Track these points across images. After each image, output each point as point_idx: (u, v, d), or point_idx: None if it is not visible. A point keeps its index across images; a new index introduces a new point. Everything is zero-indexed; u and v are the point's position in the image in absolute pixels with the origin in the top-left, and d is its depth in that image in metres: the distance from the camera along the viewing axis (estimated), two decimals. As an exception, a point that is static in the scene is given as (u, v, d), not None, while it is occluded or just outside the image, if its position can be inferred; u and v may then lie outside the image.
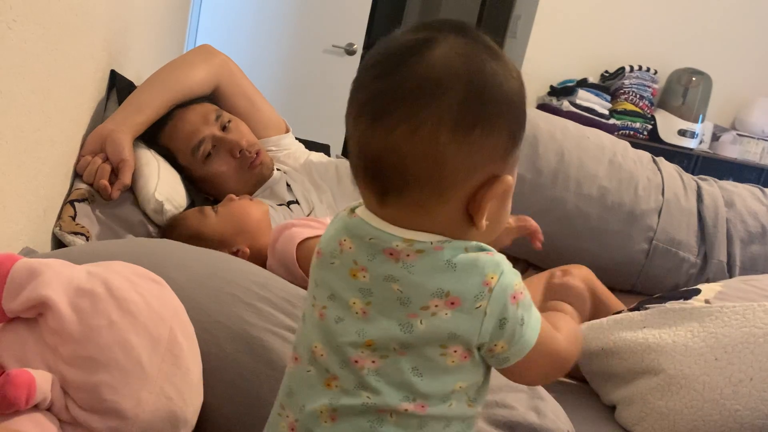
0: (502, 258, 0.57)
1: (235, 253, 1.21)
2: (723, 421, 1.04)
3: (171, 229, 1.28)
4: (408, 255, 0.56)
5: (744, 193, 1.59)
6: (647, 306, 1.17)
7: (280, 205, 1.44)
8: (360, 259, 0.58)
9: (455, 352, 0.57)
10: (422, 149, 0.54)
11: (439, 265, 0.56)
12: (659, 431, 1.09)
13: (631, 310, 1.21)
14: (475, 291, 0.55)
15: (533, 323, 0.58)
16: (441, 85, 0.54)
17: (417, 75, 0.54)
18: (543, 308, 0.71)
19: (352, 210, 0.61)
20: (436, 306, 0.55)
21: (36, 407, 0.61)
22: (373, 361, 0.57)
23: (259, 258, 1.20)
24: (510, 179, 0.58)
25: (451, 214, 0.57)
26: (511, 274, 0.57)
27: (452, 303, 0.55)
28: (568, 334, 0.64)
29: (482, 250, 0.57)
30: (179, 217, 1.30)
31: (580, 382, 1.31)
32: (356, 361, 0.57)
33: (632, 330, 1.13)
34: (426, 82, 0.54)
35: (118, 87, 1.46)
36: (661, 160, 1.64)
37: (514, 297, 0.56)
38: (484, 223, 0.57)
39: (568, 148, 1.52)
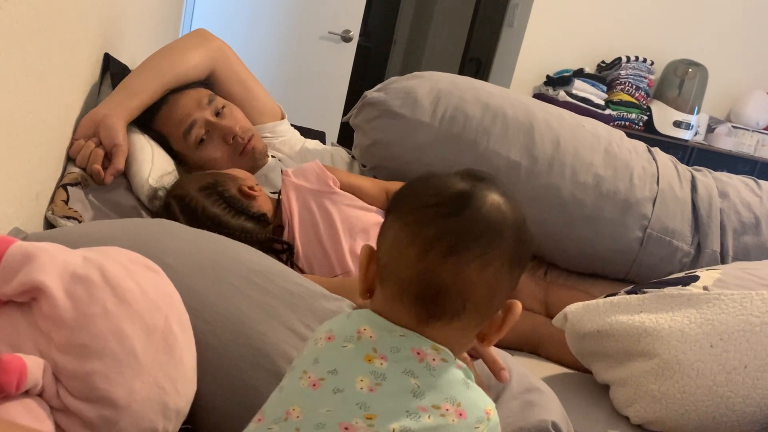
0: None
1: (251, 189, 1.26)
2: (714, 407, 1.05)
3: None
4: (434, 359, 0.61)
5: (738, 184, 1.59)
6: (645, 290, 1.18)
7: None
8: (381, 348, 0.62)
9: None
10: (487, 281, 0.62)
11: (458, 379, 0.62)
12: (650, 414, 1.10)
13: (628, 292, 1.21)
14: (479, 414, 0.61)
15: None
16: (500, 228, 0.62)
17: (483, 218, 0.62)
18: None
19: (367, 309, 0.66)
20: (447, 410, 0.60)
21: (27, 393, 0.61)
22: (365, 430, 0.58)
23: (269, 204, 1.29)
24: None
25: (474, 334, 0.66)
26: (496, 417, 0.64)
27: (460, 414, 0.60)
28: None
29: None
30: None
31: (571, 368, 1.31)
32: (346, 428, 0.57)
33: (629, 313, 1.14)
34: (491, 225, 0.62)
35: (112, 71, 1.44)
36: (656, 150, 1.65)
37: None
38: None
39: (564, 136, 1.52)
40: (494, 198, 0.64)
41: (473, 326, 0.65)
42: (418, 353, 0.61)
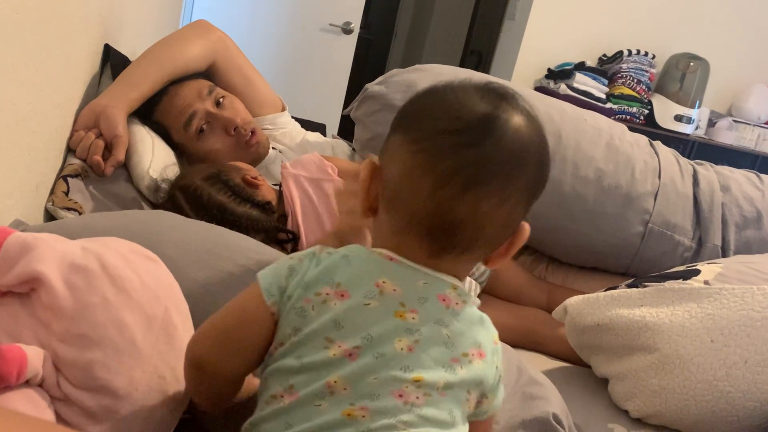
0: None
1: (255, 179, 1.26)
2: (714, 401, 1.05)
3: None
4: (457, 303, 0.60)
5: (740, 178, 1.59)
6: (645, 284, 1.18)
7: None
8: (409, 301, 0.59)
9: (470, 399, 0.61)
10: (505, 216, 0.59)
11: (475, 318, 0.62)
12: (650, 408, 1.10)
13: (628, 286, 1.21)
14: (492, 347, 0.62)
15: (501, 394, 0.66)
16: (523, 159, 0.59)
17: (506, 149, 0.58)
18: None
19: (370, 251, 0.62)
20: (472, 355, 0.60)
21: (27, 383, 0.61)
22: (418, 397, 0.57)
23: (272, 194, 1.29)
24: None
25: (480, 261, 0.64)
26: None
27: (481, 354, 0.61)
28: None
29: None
30: None
31: (567, 362, 1.32)
32: (400, 395, 0.57)
33: (629, 307, 1.14)
34: (513, 157, 0.58)
35: (113, 62, 1.44)
36: (658, 143, 1.64)
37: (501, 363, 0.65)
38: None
39: (566, 130, 1.51)
40: (517, 122, 0.59)
41: (482, 255, 0.63)
42: (444, 300, 0.60)
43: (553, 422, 0.90)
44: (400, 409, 0.56)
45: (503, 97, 0.60)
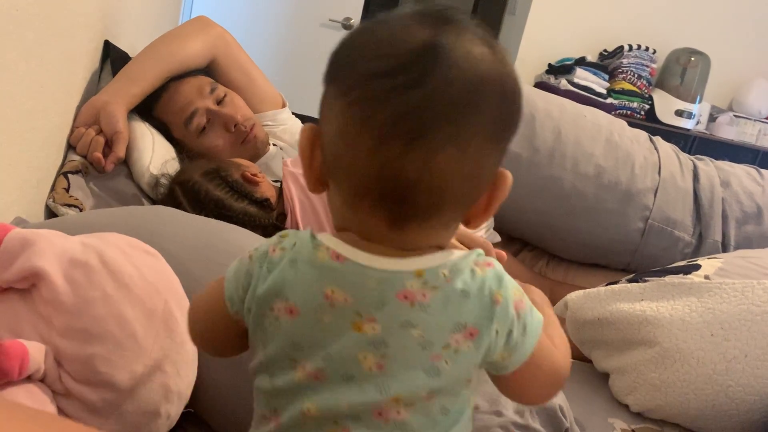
0: (498, 267, 0.54)
1: (254, 176, 1.26)
2: (714, 395, 1.05)
3: None
4: (424, 295, 0.50)
5: (740, 173, 1.59)
6: (646, 278, 1.18)
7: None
8: (364, 309, 0.50)
9: (473, 375, 0.54)
10: (468, 168, 0.49)
11: (454, 297, 0.50)
12: (650, 402, 1.10)
13: (629, 281, 1.21)
14: (488, 314, 0.51)
15: (533, 329, 0.55)
16: (479, 94, 0.48)
17: (452, 85, 0.47)
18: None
19: (316, 245, 0.52)
20: (457, 341, 0.51)
21: (29, 378, 0.61)
22: (399, 412, 0.51)
23: (272, 191, 1.29)
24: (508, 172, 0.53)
25: (459, 223, 0.54)
26: (510, 284, 0.53)
27: (471, 334, 0.51)
28: (561, 341, 0.60)
29: (479, 259, 0.53)
30: None
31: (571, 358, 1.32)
32: (380, 413, 0.51)
33: (630, 302, 1.14)
34: (465, 93, 0.47)
35: (112, 58, 1.44)
36: (657, 139, 1.64)
37: (516, 307, 0.53)
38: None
39: (565, 126, 1.51)
40: (466, 48, 0.48)
41: (457, 217, 0.53)
42: (405, 296, 0.49)
43: (560, 413, 0.91)
44: (382, 428, 0.51)
45: (446, 20, 0.49)
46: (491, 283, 0.52)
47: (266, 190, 1.27)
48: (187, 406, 0.73)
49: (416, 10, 0.50)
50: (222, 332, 0.58)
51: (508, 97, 0.50)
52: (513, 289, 0.53)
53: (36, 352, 0.60)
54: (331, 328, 0.50)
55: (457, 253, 0.52)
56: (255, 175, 1.27)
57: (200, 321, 0.59)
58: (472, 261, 0.52)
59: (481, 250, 0.54)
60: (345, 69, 0.50)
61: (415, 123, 0.46)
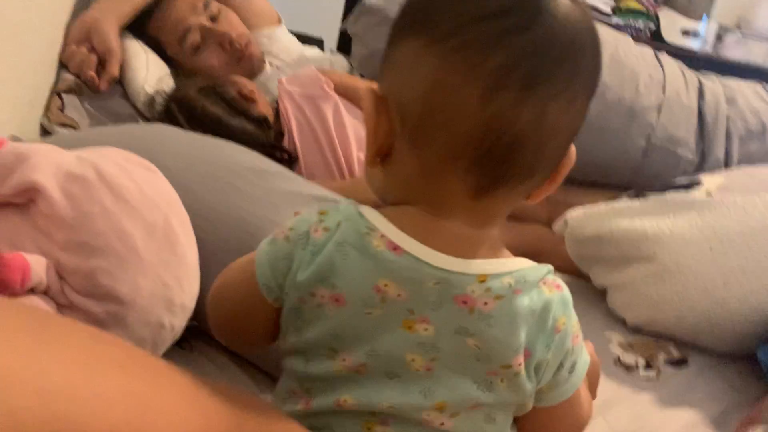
0: (566, 290, 0.50)
1: (251, 92, 1.25)
2: (710, 309, 1.07)
3: None
4: (486, 303, 0.46)
5: (747, 91, 1.57)
6: (647, 194, 1.17)
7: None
8: (418, 308, 0.46)
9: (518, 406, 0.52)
10: (570, 123, 0.45)
11: (522, 314, 0.46)
12: (648, 316, 1.12)
13: (630, 197, 1.20)
14: (547, 340, 0.48)
15: (580, 370, 0.52)
16: (582, 43, 0.45)
17: (562, 30, 0.44)
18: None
19: (368, 229, 0.46)
20: (520, 365, 0.47)
21: (32, 291, 0.61)
22: (443, 423, 0.48)
23: (268, 109, 1.27)
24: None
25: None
26: (574, 314, 0.50)
27: (527, 355, 0.48)
28: (588, 398, 0.58)
29: (548, 277, 0.49)
30: None
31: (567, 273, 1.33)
32: (422, 418, 0.48)
33: (630, 218, 1.14)
34: (572, 40, 0.44)
35: (102, -27, 1.39)
36: (663, 55, 1.61)
37: (574, 341, 0.50)
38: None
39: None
40: (563, 1, 0.44)
41: (536, 185, 0.48)
42: (465, 301, 0.45)
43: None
44: (423, 429, 0.48)
45: None
46: (557, 308, 0.48)
47: (263, 108, 1.25)
48: (191, 319, 0.73)
49: None
50: (255, 321, 0.53)
51: (599, 52, 0.47)
52: (575, 320, 0.50)
53: (37, 265, 0.60)
54: (380, 323, 0.47)
55: (525, 263, 0.49)
56: (252, 91, 1.25)
57: (227, 308, 0.55)
58: (541, 277, 0.48)
59: (551, 267, 0.50)
60: (435, 15, 0.44)
61: (531, 68, 0.43)
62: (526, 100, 0.43)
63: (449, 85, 0.43)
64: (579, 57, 0.44)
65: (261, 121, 1.21)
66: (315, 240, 0.47)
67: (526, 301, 0.46)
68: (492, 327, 0.46)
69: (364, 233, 0.46)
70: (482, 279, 0.46)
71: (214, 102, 1.18)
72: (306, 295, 0.48)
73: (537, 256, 1.53)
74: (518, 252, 1.54)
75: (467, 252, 0.46)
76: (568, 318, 0.49)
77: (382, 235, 0.46)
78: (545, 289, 0.48)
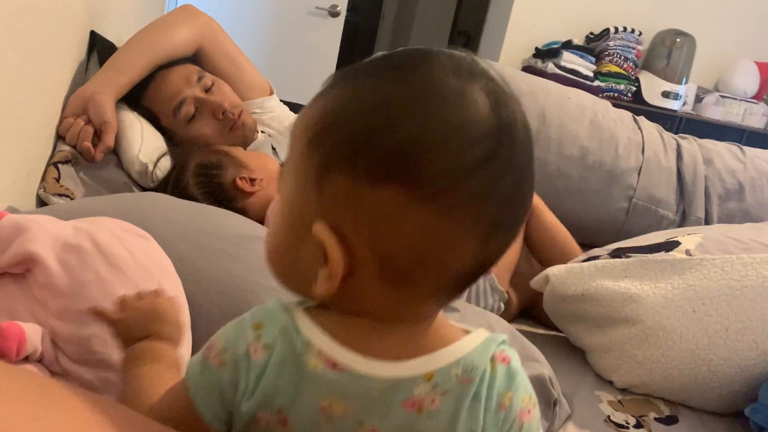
0: (515, 361, 0.48)
1: (252, 181, 1.27)
2: (697, 369, 1.08)
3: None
4: (433, 401, 0.44)
5: (723, 150, 1.62)
6: (629, 254, 1.20)
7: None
8: (366, 419, 0.44)
9: None
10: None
11: (465, 402, 0.45)
12: (635, 378, 1.13)
13: (611, 255, 1.22)
14: (495, 419, 0.46)
15: None
16: (532, 155, 0.45)
17: (523, 158, 0.43)
18: None
19: (304, 346, 0.43)
20: None
21: (27, 359, 0.63)
22: None
23: (262, 205, 1.27)
24: None
25: None
26: (522, 386, 0.47)
27: None
28: None
29: (498, 350, 0.47)
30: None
31: (548, 328, 1.34)
32: None
33: (614, 279, 1.16)
34: (530, 160, 0.45)
35: (99, 48, 1.44)
36: (641, 119, 1.66)
37: (521, 416, 0.47)
38: None
39: (549, 109, 1.53)
40: (520, 111, 0.43)
41: None
42: (412, 404, 0.44)
43: (549, 384, 0.94)
44: None
45: (480, 74, 0.43)
46: (501, 383, 0.46)
47: (256, 201, 1.27)
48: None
49: (442, 57, 0.43)
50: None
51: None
52: (524, 394, 0.48)
53: (33, 334, 0.61)
54: None
55: (473, 343, 0.46)
56: (254, 183, 1.28)
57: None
58: (489, 355, 0.46)
59: (506, 336, 0.48)
60: (420, 163, 0.40)
61: (516, 211, 0.43)
62: (509, 237, 0.44)
63: (448, 237, 0.41)
64: (532, 173, 0.45)
65: (240, 213, 1.23)
66: (256, 362, 0.44)
67: (472, 389, 0.45)
68: (439, 423, 0.44)
69: (300, 353, 0.43)
70: (429, 377, 0.44)
71: (199, 183, 1.23)
72: (251, 420, 0.45)
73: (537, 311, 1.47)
74: (523, 302, 1.47)
75: (412, 351, 0.45)
76: (515, 392, 0.47)
77: (320, 352, 0.43)
78: (492, 366, 0.46)
